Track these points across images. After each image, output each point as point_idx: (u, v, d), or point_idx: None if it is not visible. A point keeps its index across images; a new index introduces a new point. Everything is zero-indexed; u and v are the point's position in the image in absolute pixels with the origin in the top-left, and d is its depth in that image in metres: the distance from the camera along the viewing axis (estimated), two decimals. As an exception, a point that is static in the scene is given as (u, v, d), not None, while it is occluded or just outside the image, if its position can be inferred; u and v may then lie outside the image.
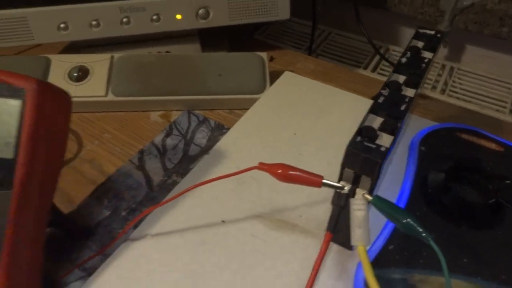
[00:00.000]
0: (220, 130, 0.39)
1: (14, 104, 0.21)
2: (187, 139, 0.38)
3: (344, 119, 0.36)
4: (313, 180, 0.22)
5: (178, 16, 0.42)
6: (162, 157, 0.36)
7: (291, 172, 0.22)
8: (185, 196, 0.30)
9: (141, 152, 0.37)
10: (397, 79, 0.25)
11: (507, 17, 0.52)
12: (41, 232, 0.23)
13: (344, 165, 0.21)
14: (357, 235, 0.21)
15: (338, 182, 0.22)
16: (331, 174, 0.24)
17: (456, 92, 0.55)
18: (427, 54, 0.27)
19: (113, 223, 0.31)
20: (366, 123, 0.22)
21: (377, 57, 0.61)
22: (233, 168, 0.32)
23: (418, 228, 0.19)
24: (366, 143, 0.20)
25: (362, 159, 0.20)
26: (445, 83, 0.57)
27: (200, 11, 0.42)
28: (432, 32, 0.30)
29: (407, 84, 0.25)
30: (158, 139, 0.38)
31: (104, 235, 0.30)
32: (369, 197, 0.21)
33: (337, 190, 0.21)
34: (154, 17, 0.42)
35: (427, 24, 0.61)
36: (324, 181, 0.22)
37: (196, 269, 0.26)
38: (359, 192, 0.21)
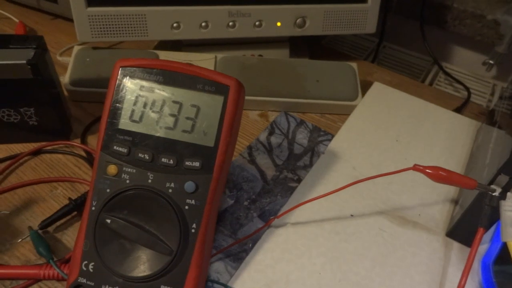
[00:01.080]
0: (317, 132, 0.42)
1: (218, 100, 0.24)
2: (289, 138, 0.41)
3: (441, 130, 0.40)
4: (469, 183, 0.25)
5: (278, 24, 0.45)
6: (270, 154, 0.39)
7: (444, 174, 0.25)
8: (314, 189, 0.33)
9: (250, 148, 0.40)
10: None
11: None
12: (217, 212, 0.26)
13: (501, 170, 0.24)
14: (508, 233, 0.24)
15: (489, 185, 0.25)
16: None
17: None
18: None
19: (237, 211, 0.34)
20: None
21: (432, 73, 0.65)
22: (349, 167, 0.35)
23: None
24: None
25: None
26: (490, 101, 0.60)
27: (298, 20, 0.46)
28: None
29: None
30: (262, 137, 0.41)
31: (232, 221, 0.33)
32: (521, 201, 0.24)
33: (489, 192, 0.25)
34: (257, 23, 0.45)
35: (484, 45, 0.65)
36: (479, 183, 0.25)
37: (338, 256, 0.29)
38: (510, 196, 0.24)
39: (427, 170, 0.26)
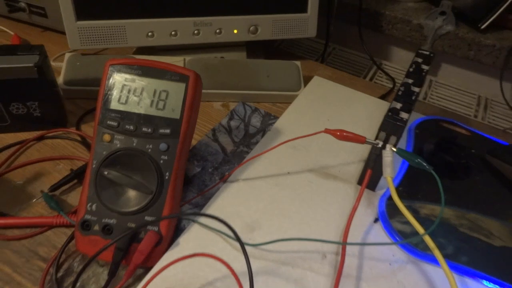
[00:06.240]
0: (269, 117, 0.52)
1: (181, 86, 0.34)
2: (245, 122, 0.51)
3: (363, 111, 0.51)
4: (360, 138, 0.35)
5: (235, 31, 0.56)
6: (230, 134, 0.49)
7: (345, 134, 0.36)
8: (260, 156, 0.43)
9: (213, 130, 0.50)
10: (408, 81, 0.40)
11: (473, 43, 0.68)
12: (184, 166, 0.36)
13: (381, 129, 0.35)
14: (387, 172, 0.34)
15: (375, 140, 0.36)
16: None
17: (433, 99, 0.71)
18: (424, 67, 0.42)
19: (203, 176, 0.44)
20: (392, 106, 0.36)
21: (373, 69, 0.76)
22: (286, 134, 0.45)
23: (424, 163, 0.33)
24: (394, 116, 0.35)
25: (393, 125, 0.34)
26: (426, 93, 0.72)
27: (251, 28, 0.56)
28: (428, 52, 0.44)
29: (414, 84, 0.39)
30: (224, 122, 0.51)
31: (199, 183, 0.43)
32: (394, 149, 0.35)
33: (376, 145, 0.35)
34: (217, 30, 0.55)
35: (413, 45, 0.77)
36: (367, 139, 0.35)
37: (277, 199, 0.39)
38: (388, 146, 0.35)
39: (333, 132, 0.36)
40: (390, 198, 0.39)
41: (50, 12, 0.61)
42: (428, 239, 0.30)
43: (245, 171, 0.42)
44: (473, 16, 0.69)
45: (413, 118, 0.50)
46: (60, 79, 0.51)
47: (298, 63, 0.56)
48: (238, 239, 0.29)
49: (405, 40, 0.75)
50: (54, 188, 0.40)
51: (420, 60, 0.43)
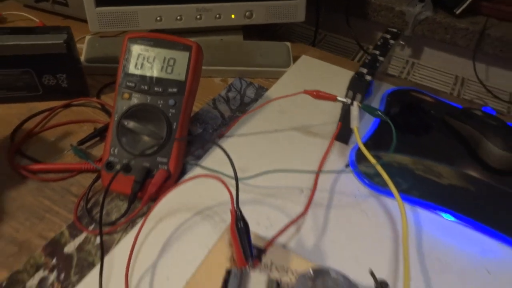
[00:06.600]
0: (261, 89, 0.60)
1: (185, 54, 0.42)
2: (241, 93, 0.59)
3: (343, 84, 0.58)
4: (332, 97, 0.43)
5: (233, 16, 0.64)
6: (228, 103, 0.57)
7: (321, 94, 0.44)
8: (252, 118, 0.51)
9: (214, 100, 0.58)
10: (375, 53, 0.47)
11: (449, 27, 0.76)
12: (188, 119, 0.44)
13: (348, 88, 0.43)
14: (353, 123, 0.42)
15: (345, 98, 0.43)
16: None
17: (415, 79, 0.78)
18: (392, 42, 0.50)
19: (205, 135, 0.52)
20: (359, 71, 0.44)
21: (360, 53, 0.84)
22: (275, 105, 0.53)
23: (382, 114, 0.41)
24: (360, 77, 0.42)
25: (358, 84, 0.42)
26: (408, 73, 0.80)
27: (247, 13, 0.64)
28: (395, 30, 0.52)
29: (380, 55, 0.47)
30: (223, 93, 0.59)
31: (201, 141, 0.51)
32: (360, 104, 0.42)
33: (345, 102, 0.43)
34: (217, 15, 0.63)
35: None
36: (338, 98, 0.43)
37: (264, 150, 0.47)
38: (356, 103, 0.43)
39: (310, 92, 0.44)
40: (359, 149, 0.46)
41: (71, 2, 0.69)
42: (379, 168, 0.38)
43: (239, 129, 0.50)
44: (449, 2, 0.76)
45: (387, 88, 0.57)
46: (82, 58, 0.59)
47: (288, 43, 0.64)
48: (231, 164, 0.37)
49: (389, 26, 0.82)
50: (81, 142, 0.48)
51: (388, 36, 0.51)
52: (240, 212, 0.30)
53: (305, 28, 0.91)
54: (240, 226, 0.29)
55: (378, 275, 0.34)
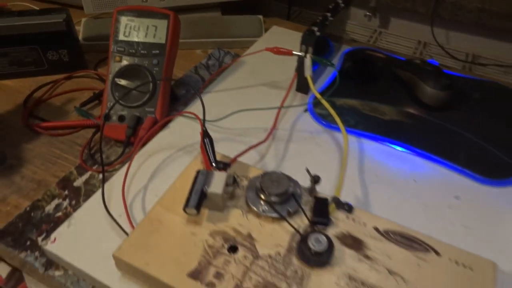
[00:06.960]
0: (237, 56, 0.69)
1: (164, 21, 0.51)
2: (219, 61, 0.68)
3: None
4: (289, 51, 0.52)
5: (210, -6, 0.72)
6: (208, 69, 0.66)
7: (280, 50, 0.52)
8: (227, 77, 0.59)
9: (195, 67, 0.66)
10: (327, 14, 0.56)
11: (409, -4, 0.83)
12: (170, 77, 0.53)
13: (302, 43, 0.51)
14: (306, 72, 0.51)
15: (299, 52, 0.52)
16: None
17: (382, 45, 0.87)
18: (341, 4, 0.58)
19: (188, 95, 0.60)
20: (311, 28, 0.52)
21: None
22: (248, 66, 0.62)
23: (329, 63, 0.49)
24: (311, 33, 0.51)
25: (308, 38, 0.50)
26: (375, 41, 0.88)
27: (222, -9, 0.72)
28: (346, -4, 0.60)
29: (330, 16, 0.55)
30: (203, 61, 0.68)
31: (184, 101, 0.60)
32: (312, 56, 0.51)
33: (299, 55, 0.52)
34: (196, -6, 0.71)
35: (364, 2, 0.92)
36: (293, 51, 0.52)
37: (235, 100, 0.55)
38: (308, 55, 0.51)
39: (271, 49, 0.53)
40: (316, 97, 0.55)
41: (67, -9, 0.78)
42: (324, 102, 0.46)
43: (215, 87, 0.59)
44: (407, -26, 0.84)
45: (345, 48, 0.66)
46: (80, 37, 0.68)
47: (260, 16, 0.73)
48: (200, 98, 0.45)
49: (356, 1, 0.91)
50: (83, 104, 0.57)
51: (340, 1, 0.59)
52: (206, 129, 0.39)
53: (282, 7, 0.99)
54: (206, 141, 0.38)
55: (322, 184, 0.43)
